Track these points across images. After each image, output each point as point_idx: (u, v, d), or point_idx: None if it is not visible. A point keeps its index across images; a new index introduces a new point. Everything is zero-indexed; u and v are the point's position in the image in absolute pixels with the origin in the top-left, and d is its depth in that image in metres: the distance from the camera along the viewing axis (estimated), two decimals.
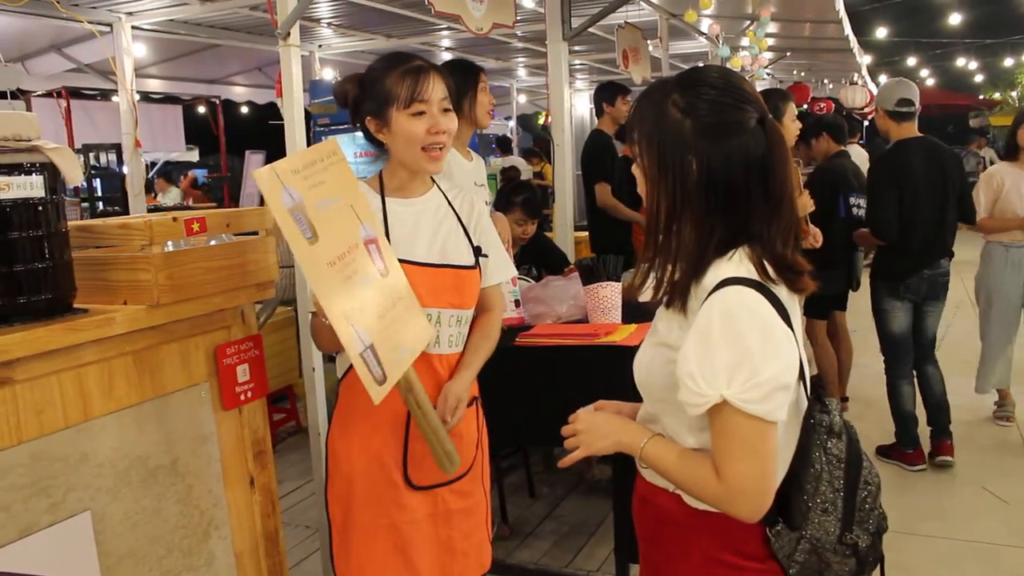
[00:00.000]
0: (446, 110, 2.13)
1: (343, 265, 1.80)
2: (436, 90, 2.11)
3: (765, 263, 1.45)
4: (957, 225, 4.55)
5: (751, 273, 1.44)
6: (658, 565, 1.64)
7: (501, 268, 2.34)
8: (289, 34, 3.09)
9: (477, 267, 2.24)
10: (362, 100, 2.18)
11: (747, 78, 8.86)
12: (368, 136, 2.20)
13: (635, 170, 1.57)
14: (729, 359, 1.37)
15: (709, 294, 1.42)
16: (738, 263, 1.45)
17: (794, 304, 1.51)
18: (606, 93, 5.42)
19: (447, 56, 8.49)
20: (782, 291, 1.47)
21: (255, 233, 2.19)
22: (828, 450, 1.49)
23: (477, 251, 2.25)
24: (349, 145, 5.89)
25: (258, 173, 1.70)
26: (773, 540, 1.47)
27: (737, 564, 1.51)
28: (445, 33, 7.47)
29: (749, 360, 1.36)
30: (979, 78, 23.75)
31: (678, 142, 1.46)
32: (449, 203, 2.27)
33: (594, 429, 1.62)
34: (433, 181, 2.29)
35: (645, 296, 1.58)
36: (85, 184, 9.45)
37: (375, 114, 2.15)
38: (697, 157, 1.45)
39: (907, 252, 4.44)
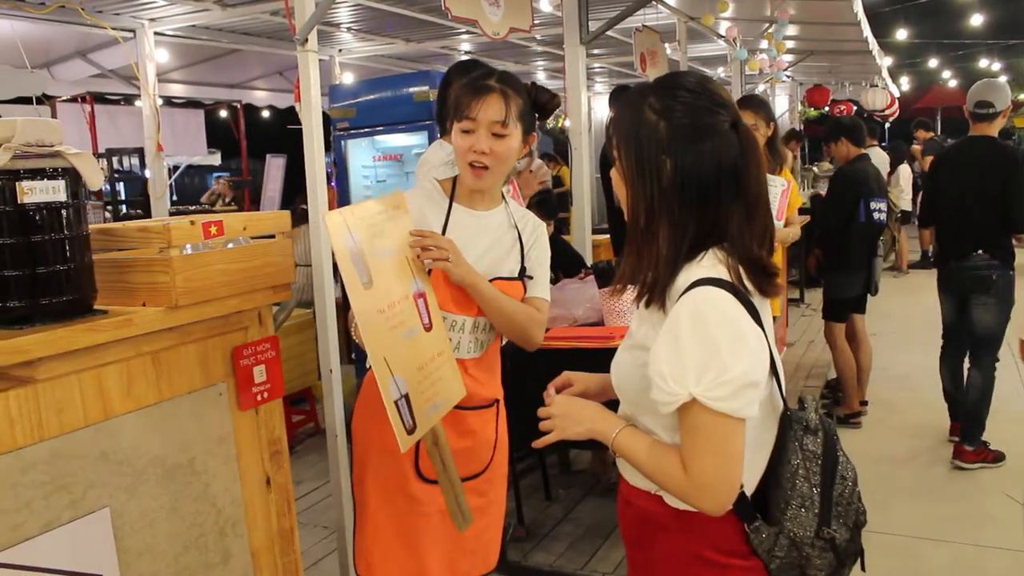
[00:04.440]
0: (496, 134, 2.13)
1: (392, 314, 1.90)
2: (488, 111, 2.11)
3: (740, 268, 1.48)
4: (996, 224, 4.51)
5: (723, 275, 1.46)
6: (643, 566, 1.66)
7: (542, 288, 2.36)
8: (307, 40, 3.12)
9: (519, 280, 2.28)
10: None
11: (766, 80, 8.82)
12: None
13: (614, 173, 1.59)
14: (697, 358, 1.39)
15: (681, 295, 1.45)
16: (710, 266, 1.48)
17: (765, 306, 1.53)
18: (615, 98, 5.44)
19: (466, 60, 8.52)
20: (754, 293, 1.49)
21: (272, 236, 2.22)
22: (805, 446, 1.52)
23: (523, 271, 2.29)
24: (368, 150, 5.93)
25: (329, 216, 1.82)
26: (752, 536, 1.50)
27: (721, 562, 1.53)
28: (464, 37, 7.51)
29: (717, 358, 1.38)
30: (1002, 79, 23.54)
31: (653, 143, 1.49)
32: (514, 223, 2.32)
33: (569, 415, 1.64)
34: (504, 199, 2.34)
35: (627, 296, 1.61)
36: (108, 187, 9.54)
37: (448, 119, 2.21)
38: (671, 157, 1.48)
39: (939, 242, 4.93)
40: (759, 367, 1.43)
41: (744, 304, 1.44)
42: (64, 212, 1.71)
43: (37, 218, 1.67)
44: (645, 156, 1.50)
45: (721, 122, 1.49)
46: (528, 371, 2.85)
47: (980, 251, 4.53)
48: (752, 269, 1.49)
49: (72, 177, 1.72)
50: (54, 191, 1.69)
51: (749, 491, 1.52)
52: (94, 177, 1.76)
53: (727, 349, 1.39)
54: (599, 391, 1.77)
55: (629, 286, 1.60)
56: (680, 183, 1.48)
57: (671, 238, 1.51)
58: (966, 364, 4.78)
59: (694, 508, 1.48)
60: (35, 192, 1.66)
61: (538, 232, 2.36)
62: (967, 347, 4.81)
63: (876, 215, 5.15)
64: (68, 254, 1.72)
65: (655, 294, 1.52)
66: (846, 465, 1.56)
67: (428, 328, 2.02)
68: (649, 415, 1.55)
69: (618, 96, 5.39)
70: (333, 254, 1.94)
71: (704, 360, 1.39)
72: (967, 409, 4.68)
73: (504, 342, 2.41)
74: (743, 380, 1.39)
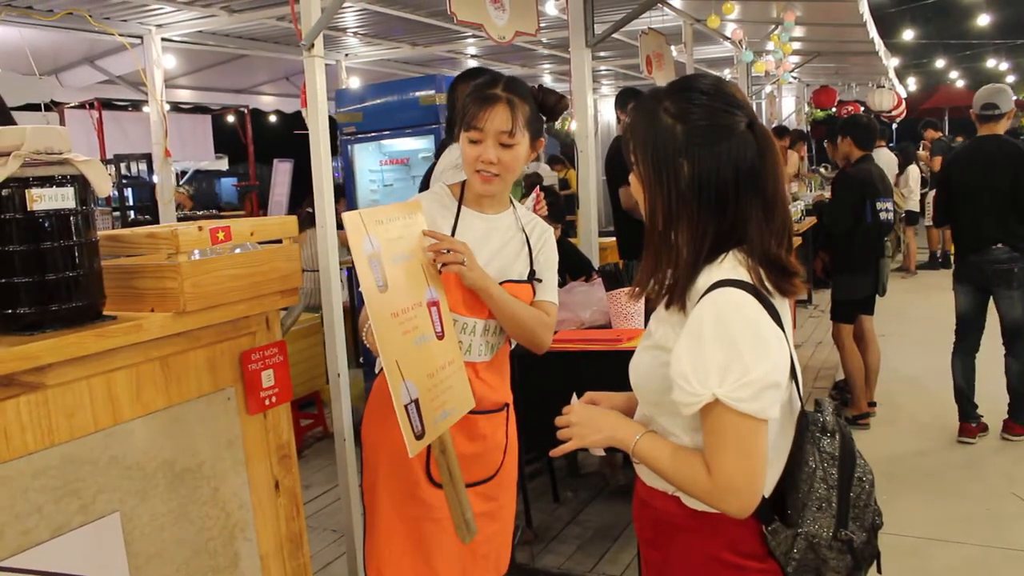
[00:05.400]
0: (503, 144, 2.15)
1: (405, 319, 1.92)
2: (495, 122, 2.13)
3: (760, 270, 1.48)
4: (1011, 217, 4.70)
5: (744, 277, 1.47)
6: (659, 567, 1.66)
7: (550, 291, 2.37)
8: (313, 45, 3.13)
9: (528, 283, 2.29)
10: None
11: (772, 81, 8.82)
12: None
13: (632, 178, 1.60)
14: (720, 359, 1.39)
15: (701, 296, 1.45)
16: (731, 268, 1.48)
17: (785, 307, 1.54)
18: (620, 100, 5.45)
19: (473, 63, 8.54)
20: (774, 295, 1.49)
21: (279, 241, 2.23)
22: (822, 448, 1.52)
23: (532, 274, 2.31)
24: (375, 154, 5.95)
25: (347, 216, 1.84)
26: (770, 538, 1.49)
27: (737, 563, 1.53)
28: (471, 41, 7.52)
29: (739, 359, 1.39)
30: (1010, 79, 23.43)
31: (670, 146, 1.50)
32: (521, 227, 2.33)
33: (588, 422, 1.65)
34: (512, 203, 2.35)
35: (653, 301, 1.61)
36: (116, 193, 9.57)
37: (456, 126, 2.24)
38: (689, 160, 1.49)
39: (956, 238, 5.09)
40: (780, 368, 1.43)
41: (765, 306, 1.45)
42: (73, 219, 1.72)
43: (46, 225, 1.68)
44: (662, 160, 1.50)
45: (737, 122, 1.49)
46: (535, 374, 2.86)
47: (999, 244, 4.71)
48: (772, 269, 1.49)
49: (81, 184, 1.73)
50: (63, 198, 1.70)
51: (767, 492, 1.52)
52: (102, 184, 1.76)
53: (749, 350, 1.39)
54: (625, 410, 1.75)
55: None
56: (698, 185, 1.48)
57: (690, 240, 1.51)
58: (1000, 353, 4.91)
59: (718, 511, 1.48)
60: (44, 199, 1.67)
61: (546, 236, 2.37)
62: (979, 342, 4.96)
63: (883, 215, 5.15)
64: (77, 261, 1.73)
65: (675, 296, 1.52)
66: (864, 467, 1.56)
67: (440, 336, 2.03)
68: (668, 416, 1.55)
69: (624, 98, 5.40)
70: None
71: (726, 361, 1.39)
72: (1011, 392, 4.88)
73: (513, 345, 2.42)
74: (765, 381, 1.39)
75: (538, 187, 4.00)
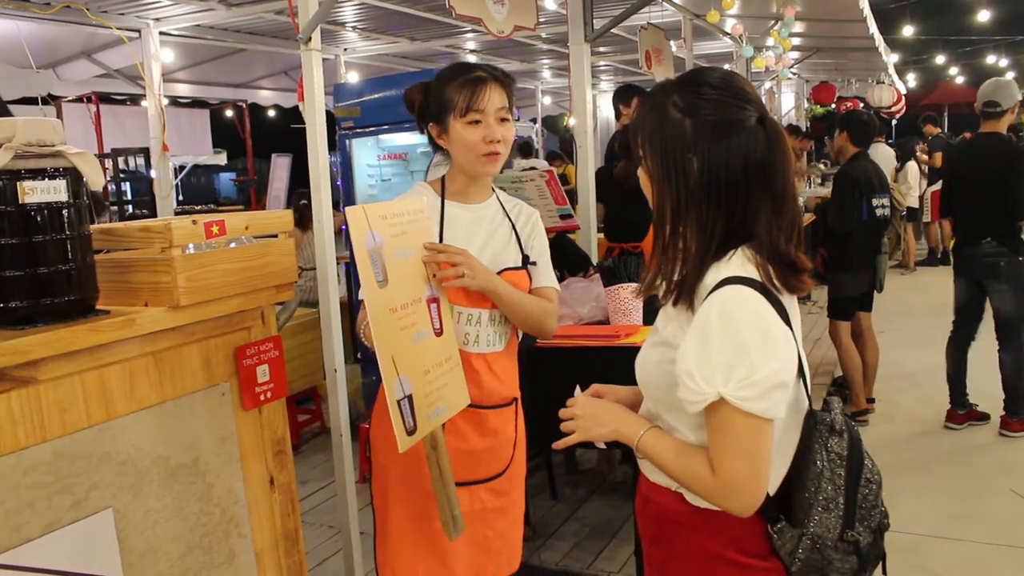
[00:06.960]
0: (503, 119, 2.19)
1: (404, 315, 1.92)
2: (493, 100, 2.16)
3: (769, 266, 1.46)
4: (1002, 214, 4.80)
5: (752, 274, 1.45)
6: (661, 564, 1.65)
7: (548, 276, 2.37)
8: (310, 39, 3.11)
9: (524, 269, 2.29)
10: (426, 107, 2.24)
11: (772, 77, 8.80)
12: (431, 141, 2.29)
13: (640, 173, 1.58)
14: (726, 357, 1.37)
15: (709, 293, 1.43)
16: (739, 265, 1.46)
17: (793, 304, 1.52)
18: (621, 96, 5.43)
19: (471, 58, 8.52)
20: (783, 292, 1.47)
21: (275, 235, 2.22)
22: (830, 448, 1.50)
23: (525, 259, 2.30)
24: (373, 149, 5.92)
25: (350, 210, 1.85)
26: (775, 537, 1.48)
27: (740, 562, 1.51)
28: (469, 36, 7.50)
29: (746, 358, 1.37)
30: (1010, 75, 23.44)
31: (679, 142, 1.48)
32: (506, 213, 2.32)
33: (593, 415, 1.63)
34: (493, 191, 2.35)
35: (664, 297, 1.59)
36: (114, 187, 9.56)
37: (436, 120, 2.23)
38: (698, 156, 1.46)
39: (955, 232, 5.22)
40: (788, 367, 1.41)
41: (773, 303, 1.43)
42: (65, 212, 1.70)
43: (38, 218, 1.66)
44: (671, 155, 1.48)
45: (747, 117, 1.47)
46: (532, 370, 2.84)
47: (989, 239, 4.82)
48: (780, 266, 1.47)
49: (73, 177, 1.72)
50: (55, 191, 1.68)
51: (772, 491, 1.50)
52: (95, 176, 1.75)
53: (756, 349, 1.37)
54: (630, 404, 1.73)
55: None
56: (707, 181, 1.46)
57: (699, 236, 1.49)
58: (993, 348, 4.98)
59: (721, 509, 1.47)
60: (36, 192, 1.65)
61: (533, 220, 2.37)
62: (975, 332, 5.09)
63: (879, 211, 5.15)
64: (69, 254, 1.71)
65: (683, 292, 1.50)
66: (872, 468, 1.54)
67: (438, 333, 2.03)
68: (673, 412, 1.54)
69: (623, 94, 5.38)
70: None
71: (733, 360, 1.37)
72: (1006, 388, 4.95)
73: (519, 337, 2.41)
74: (772, 380, 1.37)
75: (551, 172, 4.01)
